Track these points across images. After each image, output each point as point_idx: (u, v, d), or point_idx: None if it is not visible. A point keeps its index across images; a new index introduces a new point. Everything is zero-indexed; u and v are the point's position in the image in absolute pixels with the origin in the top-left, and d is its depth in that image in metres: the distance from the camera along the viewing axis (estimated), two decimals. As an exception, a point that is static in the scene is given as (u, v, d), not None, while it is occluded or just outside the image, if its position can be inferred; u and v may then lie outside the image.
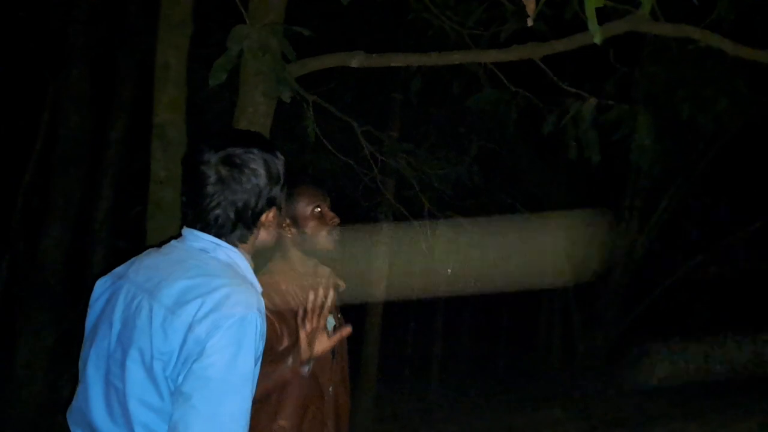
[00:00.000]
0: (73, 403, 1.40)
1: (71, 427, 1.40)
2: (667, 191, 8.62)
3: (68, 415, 1.42)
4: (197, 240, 1.38)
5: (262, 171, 1.37)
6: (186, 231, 1.40)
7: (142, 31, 5.48)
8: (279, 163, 1.40)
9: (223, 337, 1.21)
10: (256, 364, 1.27)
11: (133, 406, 1.26)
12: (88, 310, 1.44)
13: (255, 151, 1.37)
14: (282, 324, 1.83)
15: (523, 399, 7.55)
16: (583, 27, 2.19)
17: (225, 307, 1.24)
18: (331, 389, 1.97)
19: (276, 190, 1.40)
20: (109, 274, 1.45)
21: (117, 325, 1.33)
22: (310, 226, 1.96)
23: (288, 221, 1.95)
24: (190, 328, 1.22)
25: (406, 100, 5.76)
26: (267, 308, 1.51)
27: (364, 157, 3.32)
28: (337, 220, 2.01)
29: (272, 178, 1.38)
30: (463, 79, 4.59)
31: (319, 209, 1.98)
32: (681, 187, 8.60)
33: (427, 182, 3.83)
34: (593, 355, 8.89)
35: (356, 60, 2.62)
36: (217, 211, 1.35)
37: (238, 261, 1.38)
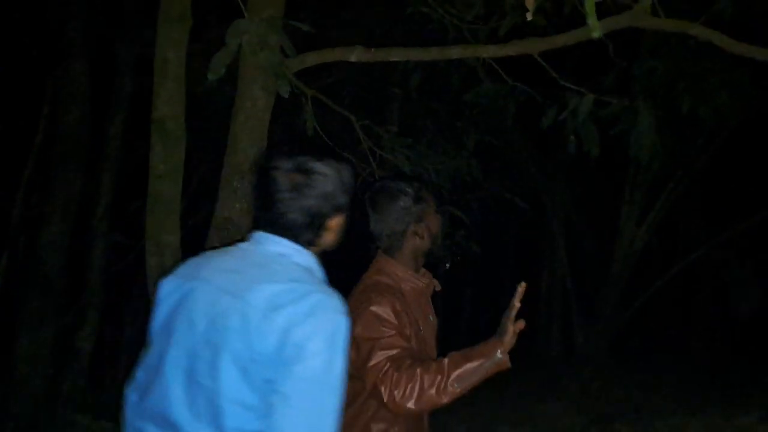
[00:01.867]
0: (144, 397, 1.44)
1: (140, 424, 1.43)
2: (667, 185, 8.62)
3: (134, 407, 1.46)
4: (275, 244, 1.46)
5: (332, 178, 1.46)
6: (259, 234, 1.48)
7: (141, 25, 5.47)
8: (349, 173, 1.51)
9: (321, 341, 1.31)
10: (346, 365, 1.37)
11: (226, 404, 1.32)
12: (155, 308, 1.50)
13: (326, 159, 1.46)
14: (401, 318, 1.86)
15: (522, 392, 7.57)
16: (582, 21, 2.19)
17: (320, 312, 1.33)
18: None
19: (344, 198, 1.49)
20: (173, 274, 1.52)
21: (201, 325, 1.38)
22: (435, 227, 2.01)
23: (423, 226, 1.98)
24: (286, 332, 1.30)
25: (405, 95, 5.76)
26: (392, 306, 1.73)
27: (362, 151, 3.32)
28: (437, 229, 2.05)
29: (342, 186, 1.48)
30: (462, 74, 4.59)
31: (438, 212, 2.04)
32: (681, 181, 8.60)
33: (425, 176, 3.83)
34: (592, 348, 8.91)
35: (355, 54, 2.62)
36: (290, 216, 1.43)
37: (314, 265, 1.48)
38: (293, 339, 1.30)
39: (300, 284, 1.37)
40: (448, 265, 2.12)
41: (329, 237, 1.51)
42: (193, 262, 1.52)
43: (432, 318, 2.09)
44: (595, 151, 3.12)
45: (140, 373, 1.49)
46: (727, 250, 9.59)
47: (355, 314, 1.69)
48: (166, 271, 2.57)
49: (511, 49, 2.67)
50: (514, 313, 1.75)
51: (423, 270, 2.08)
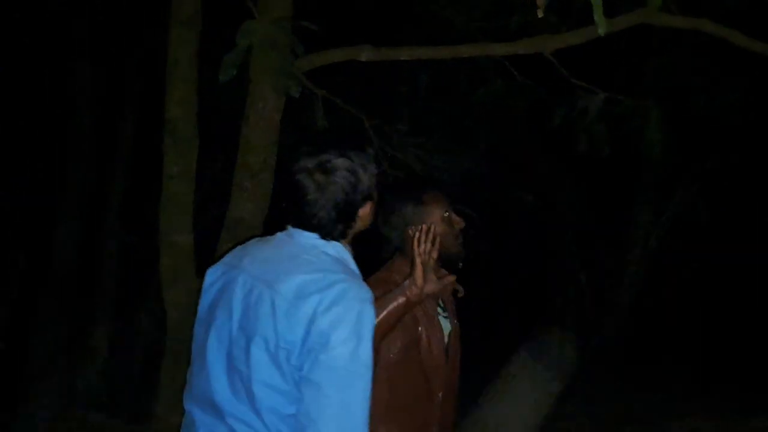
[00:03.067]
0: (191, 383, 1.52)
1: (187, 406, 1.51)
2: (681, 184, 8.56)
3: (185, 394, 1.54)
4: (304, 237, 1.49)
5: (355, 171, 1.48)
6: (292, 230, 1.51)
7: (153, 27, 5.50)
8: (368, 161, 1.52)
9: (346, 330, 1.33)
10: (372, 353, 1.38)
11: (258, 389, 1.37)
12: (201, 296, 1.57)
13: (347, 153, 1.48)
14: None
15: (534, 392, 7.52)
16: (593, 19, 2.18)
17: (345, 300, 1.36)
18: (440, 395, 1.97)
19: (369, 185, 1.51)
20: (219, 263, 1.57)
21: (237, 313, 1.43)
22: (440, 231, 1.97)
23: (422, 228, 1.95)
24: (312, 320, 1.34)
25: (415, 94, 5.75)
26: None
27: (372, 151, 3.32)
28: (462, 223, 2.03)
29: (365, 175, 1.50)
30: (472, 72, 4.58)
31: (447, 214, 2.01)
32: (695, 180, 8.53)
33: (435, 176, 3.83)
34: (604, 350, 8.86)
35: (364, 54, 2.63)
36: (320, 214, 1.46)
37: (345, 256, 1.51)
38: (318, 327, 1.33)
39: (328, 274, 1.40)
40: (461, 264, 2.10)
41: (361, 224, 1.55)
42: (238, 251, 1.56)
43: (442, 321, 2.04)
44: (606, 150, 3.11)
45: (192, 359, 1.55)
46: (741, 248, 9.50)
47: None
48: (178, 271, 2.61)
49: (521, 47, 2.66)
50: (421, 247, 1.78)
51: (443, 271, 2.07)
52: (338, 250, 1.50)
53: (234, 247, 1.62)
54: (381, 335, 1.77)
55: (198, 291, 2.57)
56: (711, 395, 7.04)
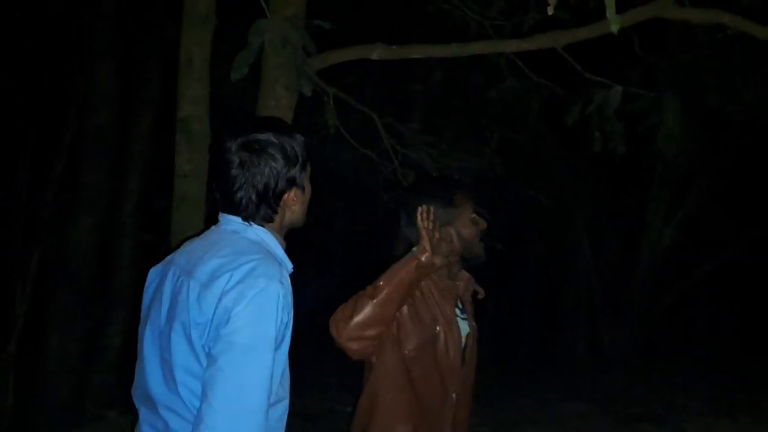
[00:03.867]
0: (135, 381, 1.53)
1: (136, 404, 1.51)
2: (696, 182, 8.47)
3: (132, 392, 1.54)
4: (229, 223, 1.49)
5: (279, 154, 1.45)
6: (220, 216, 1.52)
7: (168, 26, 5.53)
8: (297, 145, 1.49)
9: (248, 306, 1.31)
10: (278, 335, 1.35)
11: (179, 374, 1.37)
12: (143, 295, 1.58)
13: (272, 135, 1.46)
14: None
15: (547, 392, 7.50)
16: (605, 14, 2.15)
17: (250, 278, 1.34)
18: (454, 396, 1.96)
19: (295, 171, 1.48)
20: (161, 262, 1.58)
21: (165, 305, 1.45)
22: (468, 232, 1.96)
23: (451, 231, 1.96)
24: (219, 299, 1.33)
25: (427, 92, 5.74)
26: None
27: (384, 149, 3.32)
28: (485, 225, 2.01)
29: (290, 160, 1.47)
30: (485, 70, 4.56)
31: (474, 215, 2.00)
32: (710, 178, 8.43)
33: (448, 174, 3.82)
34: (619, 348, 8.79)
35: (377, 52, 2.62)
36: (240, 194, 1.45)
37: (266, 238, 1.48)
38: (223, 305, 1.32)
39: (241, 255, 1.39)
40: (482, 265, 2.09)
41: (289, 213, 1.53)
42: (178, 248, 1.57)
43: (460, 323, 2.03)
44: (621, 148, 3.08)
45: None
46: (758, 248, 9.39)
47: None
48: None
49: (534, 43, 2.64)
50: (425, 222, 1.81)
51: (462, 273, 2.06)
52: (259, 233, 1.48)
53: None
54: (399, 300, 1.80)
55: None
56: (727, 394, 6.98)
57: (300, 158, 1.49)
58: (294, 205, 1.52)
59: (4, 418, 5.27)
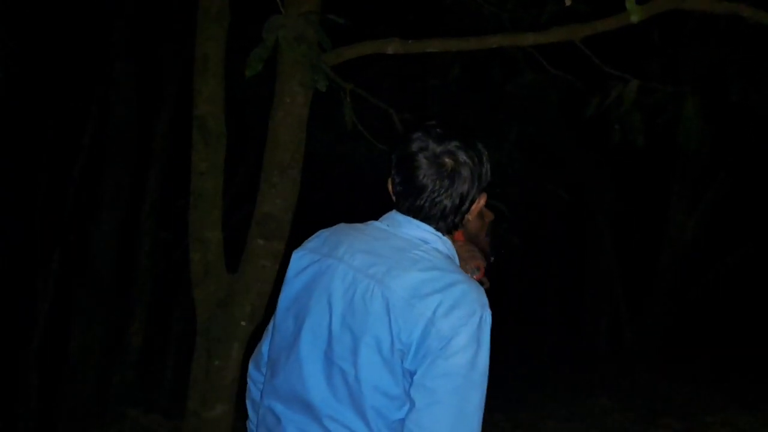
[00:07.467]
0: (274, 378, 1.41)
1: (267, 402, 1.41)
2: (718, 175, 8.33)
3: (254, 384, 1.49)
4: (416, 228, 1.39)
5: (482, 161, 1.40)
6: (398, 216, 1.41)
7: (187, 24, 5.56)
8: (485, 152, 1.43)
9: (466, 335, 1.26)
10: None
11: (367, 391, 1.28)
12: (286, 282, 1.45)
13: (473, 141, 1.40)
14: None
15: (569, 387, 7.44)
16: (625, 6, 2.12)
17: (465, 305, 1.27)
18: None
19: (487, 178, 1.42)
20: (304, 248, 1.45)
21: (339, 307, 1.33)
22: (472, 225, 1.90)
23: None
24: (431, 322, 1.25)
25: (445, 87, 5.70)
26: None
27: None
28: (492, 216, 1.98)
29: (486, 166, 1.41)
30: (502, 64, 4.52)
31: (483, 208, 1.99)
32: (732, 172, 8.30)
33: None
34: (641, 343, 8.70)
35: (392, 47, 2.59)
36: (445, 202, 1.37)
37: (454, 253, 1.42)
38: (438, 331, 1.25)
39: (445, 273, 1.31)
40: (493, 259, 2.04)
41: (470, 218, 1.45)
42: (327, 238, 1.44)
43: None
44: (641, 141, 3.03)
45: (269, 350, 1.46)
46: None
47: None
48: (208, 267, 2.63)
49: (552, 36, 2.60)
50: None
51: (468, 265, 2.04)
52: (449, 246, 1.41)
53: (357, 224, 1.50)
54: None
55: (228, 286, 2.61)
56: (748, 388, 6.89)
57: (488, 164, 1.44)
58: (475, 211, 1.45)
59: (28, 415, 5.35)
